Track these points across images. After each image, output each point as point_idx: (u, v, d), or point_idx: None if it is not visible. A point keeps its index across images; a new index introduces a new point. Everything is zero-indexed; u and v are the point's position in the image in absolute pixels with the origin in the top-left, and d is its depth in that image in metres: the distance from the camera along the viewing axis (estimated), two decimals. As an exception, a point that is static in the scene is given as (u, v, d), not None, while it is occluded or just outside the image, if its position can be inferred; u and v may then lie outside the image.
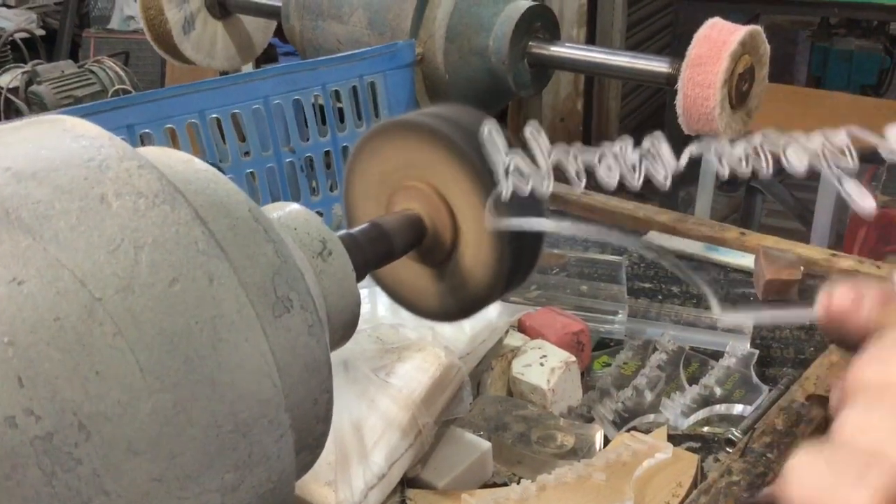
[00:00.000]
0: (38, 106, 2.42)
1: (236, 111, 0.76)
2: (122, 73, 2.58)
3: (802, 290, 1.04)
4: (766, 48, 0.92)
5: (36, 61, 2.69)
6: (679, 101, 0.89)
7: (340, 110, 0.87)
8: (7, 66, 2.75)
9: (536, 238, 0.56)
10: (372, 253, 0.51)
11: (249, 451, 0.33)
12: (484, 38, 1.02)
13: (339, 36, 1.07)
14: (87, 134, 0.34)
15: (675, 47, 2.84)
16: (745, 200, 2.96)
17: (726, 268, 1.12)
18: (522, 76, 1.05)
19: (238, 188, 0.39)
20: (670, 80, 0.93)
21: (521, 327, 0.86)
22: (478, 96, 1.07)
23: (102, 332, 0.29)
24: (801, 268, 1.04)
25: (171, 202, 0.33)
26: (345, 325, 0.46)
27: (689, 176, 3.09)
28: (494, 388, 0.81)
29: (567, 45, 1.03)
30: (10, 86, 2.54)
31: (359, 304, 0.47)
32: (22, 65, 2.67)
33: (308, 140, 0.84)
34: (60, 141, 0.34)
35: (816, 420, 0.80)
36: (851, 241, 1.98)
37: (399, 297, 0.60)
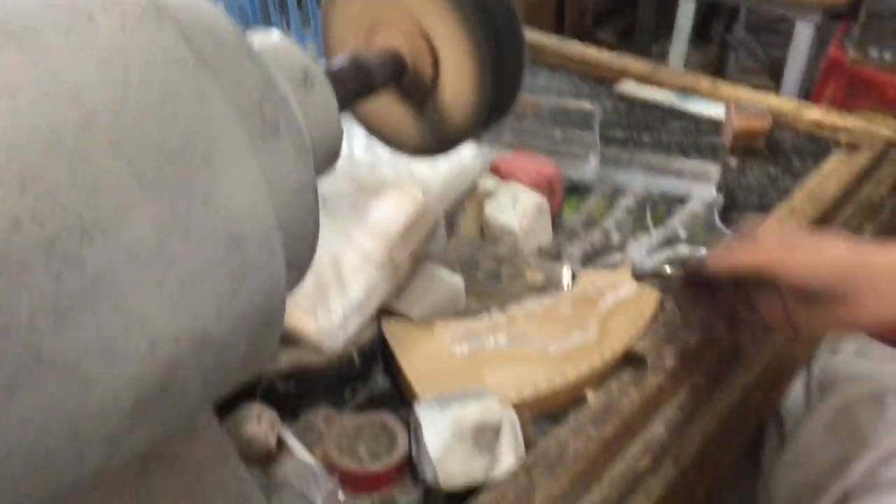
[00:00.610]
0: None
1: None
2: None
3: (769, 140, 1.07)
4: None
5: None
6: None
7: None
8: None
9: (516, 74, 0.57)
10: (352, 86, 0.51)
11: (244, 262, 0.35)
12: None
13: None
14: (69, -52, 0.34)
15: None
16: (718, 56, 2.94)
17: (697, 118, 1.13)
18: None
19: (223, 12, 0.39)
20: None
21: (494, 170, 0.88)
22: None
23: (98, 143, 0.30)
24: (770, 118, 1.06)
25: (157, 20, 0.33)
26: (328, 156, 0.47)
27: (664, 30, 3.06)
28: (467, 229, 0.83)
29: None
30: None
31: (341, 136, 0.48)
32: None
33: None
34: (42, -46, 0.33)
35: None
36: (820, 96, 1.99)
37: (378, 132, 0.61)
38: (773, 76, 2.85)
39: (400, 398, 0.69)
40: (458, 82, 0.55)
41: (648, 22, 3.01)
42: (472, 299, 0.77)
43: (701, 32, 2.94)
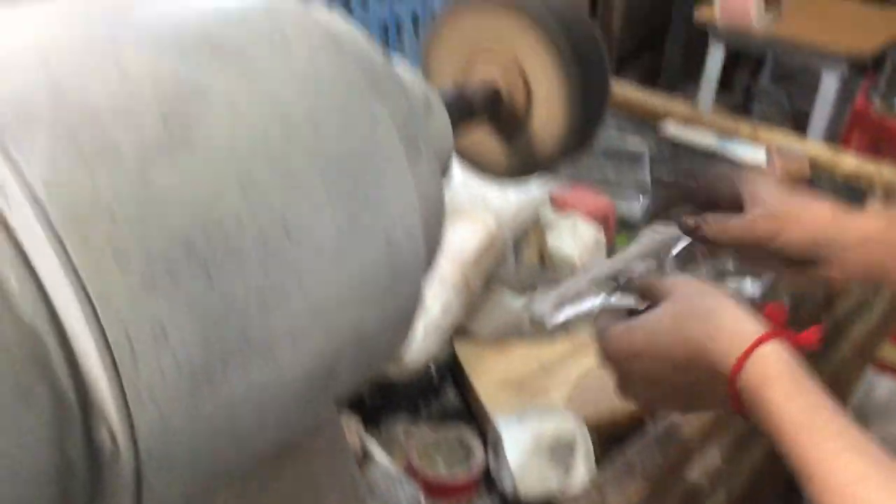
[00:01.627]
0: None
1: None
2: None
3: (808, 186, 1.11)
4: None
5: None
6: (717, -4, 0.93)
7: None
8: None
9: (602, 105, 0.62)
10: (456, 114, 0.56)
11: (397, 264, 0.39)
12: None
13: None
14: (261, -15, 0.39)
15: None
16: (742, 104, 3.01)
17: (739, 162, 1.18)
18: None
19: (372, 41, 0.44)
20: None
21: (554, 202, 0.93)
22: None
23: (297, 154, 0.35)
24: (808, 165, 1.11)
25: (339, 51, 0.38)
26: (444, 175, 0.51)
27: (688, 75, 3.12)
28: (529, 255, 0.88)
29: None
30: None
31: (452, 158, 0.53)
32: None
33: (367, 10, 0.87)
34: (239, -11, 0.38)
35: (820, 300, 0.88)
36: (846, 146, 2.04)
37: (466, 157, 0.65)
38: (796, 126, 2.91)
39: (469, 413, 0.73)
40: (548, 113, 0.60)
41: (674, 66, 3.08)
42: (533, 321, 0.81)
43: (724, 80, 3.01)
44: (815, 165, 1.14)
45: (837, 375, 0.95)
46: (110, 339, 0.29)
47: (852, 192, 1.12)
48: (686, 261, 0.75)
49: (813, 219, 0.66)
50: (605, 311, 0.67)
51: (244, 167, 0.33)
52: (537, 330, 0.77)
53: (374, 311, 0.39)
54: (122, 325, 0.29)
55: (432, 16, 0.92)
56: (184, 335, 0.31)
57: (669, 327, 0.57)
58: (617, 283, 0.70)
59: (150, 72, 0.32)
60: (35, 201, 0.28)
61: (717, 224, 0.68)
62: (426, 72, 0.64)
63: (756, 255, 0.70)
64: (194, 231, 0.31)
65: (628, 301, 0.68)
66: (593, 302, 0.71)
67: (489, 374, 0.73)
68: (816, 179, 1.14)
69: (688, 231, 0.71)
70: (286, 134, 0.34)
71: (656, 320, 0.58)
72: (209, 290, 0.31)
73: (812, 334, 0.56)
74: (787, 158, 1.10)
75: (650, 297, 0.63)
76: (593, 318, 0.67)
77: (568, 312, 0.78)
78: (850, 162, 1.15)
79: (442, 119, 0.50)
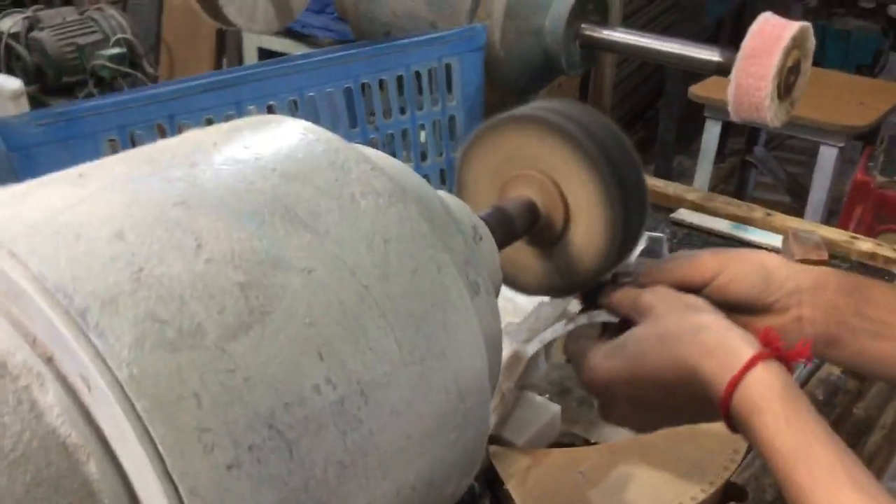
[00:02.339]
0: (38, 52, 2.41)
1: (330, 90, 0.80)
2: (122, 21, 2.56)
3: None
4: (813, 43, 0.97)
5: (36, 6, 2.66)
6: (731, 91, 0.95)
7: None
8: (6, 11, 2.71)
9: (641, 219, 0.62)
10: (500, 236, 0.56)
11: (465, 414, 0.38)
12: (540, 18, 1.06)
13: (394, 8, 1.11)
14: (322, 137, 0.39)
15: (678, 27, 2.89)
16: (738, 173, 3.04)
17: (753, 246, 1.18)
18: (573, 56, 1.10)
19: (425, 181, 0.44)
20: (721, 70, 0.98)
21: (578, 296, 0.92)
22: (529, 74, 1.12)
23: (371, 314, 0.34)
24: (825, 249, 1.11)
25: (402, 201, 0.38)
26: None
27: (682, 145, 3.16)
28: (557, 355, 0.87)
29: (618, 29, 1.08)
30: (11, 31, 2.52)
31: (501, 283, 0.52)
32: (22, 9, 2.64)
33: (390, 118, 0.88)
34: (302, 143, 0.39)
35: (853, 391, 0.88)
36: (848, 219, 2.06)
37: (506, 274, 0.65)
38: (791, 192, 2.93)
39: (509, 526, 0.71)
40: (588, 230, 0.60)
41: (669, 138, 3.12)
42: (564, 425, 0.80)
43: (717, 149, 3.05)
44: (830, 249, 1.15)
45: (868, 465, 0.93)
46: (195, 527, 0.28)
47: (870, 274, 1.12)
48: None
49: (761, 258, 0.61)
50: (579, 332, 0.63)
51: (322, 335, 0.32)
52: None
53: (445, 459, 0.38)
54: (207, 510, 0.28)
55: (451, 119, 0.94)
56: (266, 514, 0.30)
57: (656, 348, 0.53)
58: (588, 300, 0.65)
59: (226, 243, 0.32)
60: (119, 389, 0.28)
61: (656, 268, 0.63)
62: (461, 191, 0.64)
63: None
64: (276, 407, 0.30)
65: (601, 317, 0.63)
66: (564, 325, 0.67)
67: (528, 485, 0.71)
68: (833, 264, 1.14)
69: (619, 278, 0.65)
70: (360, 295, 0.34)
71: (640, 341, 0.55)
72: (290, 465, 0.31)
73: (804, 348, 0.53)
74: (806, 244, 1.10)
75: (627, 312, 0.59)
76: (566, 341, 0.63)
77: (541, 338, 0.74)
78: (865, 245, 1.15)
79: (491, 247, 0.50)
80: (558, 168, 0.60)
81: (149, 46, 2.75)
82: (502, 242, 0.57)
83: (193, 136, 0.39)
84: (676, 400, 0.54)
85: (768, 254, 0.62)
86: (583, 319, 0.64)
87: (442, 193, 0.52)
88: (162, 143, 0.38)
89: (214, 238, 0.32)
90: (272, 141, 0.38)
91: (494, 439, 0.76)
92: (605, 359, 0.57)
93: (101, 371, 0.28)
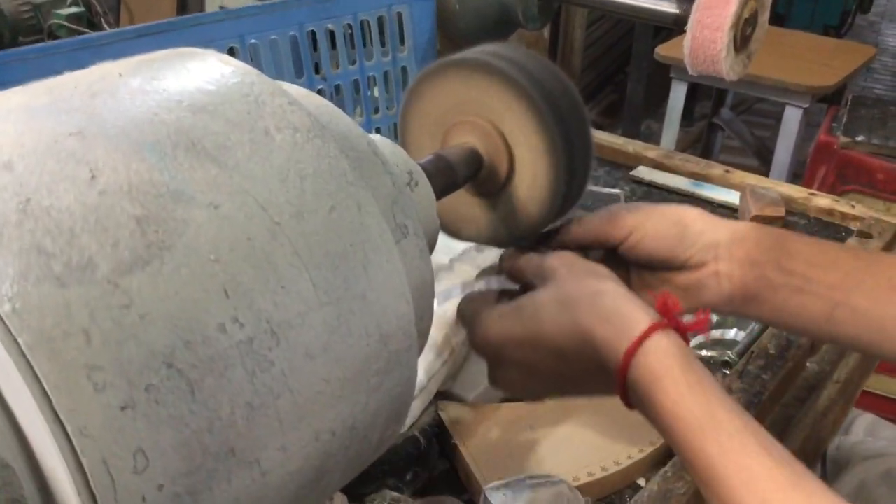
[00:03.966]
0: (-8, 12, 2.34)
1: (274, 37, 0.78)
2: (79, -20, 2.49)
3: (784, 226, 1.11)
4: (770, -5, 0.96)
5: (-11, -35, 2.58)
6: (686, 43, 0.94)
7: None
8: (-41, -30, 2.63)
9: (586, 167, 0.60)
10: (440, 184, 0.55)
11: (388, 358, 0.37)
12: (496, -30, 1.04)
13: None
14: (237, 70, 0.37)
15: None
16: (705, 135, 3.04)
17: (712, 203, 1.18)
18: (531, 9, 1.07)
19: (353, 121, 0.43)
20: (678, 22, 0.97)
21: (533, 254, 0.92)
22: (485, 27, 1.10)
23: (283, 252, 0.33)
24: (783, 205, 1.11)
25: (321, 136, 0.37)
26: (430, 251, 0.50)
27: (650, 109, 3.16)
28: (510, 311, 0.86)
29: (576, -20, 1.06)
30: (-36, -9, 2.44)
31: (438, 231, 0.51)
32: (-25, -32, 2.55)
33: (338, 68, 0.86)
34: (215, 75, 0.37)
35: (805, 346, 0.88)
36: (811, 179, 2.07)
37: (448, 224, 0.64)
38: (758, 155, 2.95)
39: (458, 482, 0.71)
40: (532, 178, 0.59)
41: (637, 101, 3.12)
42: (517, 380, 0.80)
43: (684, 112, 3.05)
44: (788, 206, 1.15)
45: (822, 419, 0.94)
46: (87, 469, 0.27)
47: (827, 230, 1.12)
48: None
49: (678, 213, 0.60)
50: (474, 295, 0.60)
51: (228, 272, 0.31)
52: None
53: (367, 404, 0.37)
54: (99, 452, 0.27)
55: (403, 70, 0.92)
56: (165, 457, 0.28)
57: (554, 312, 0.51)
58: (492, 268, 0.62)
59: (123, 175, 0.30)
60: (1, 325, 0.26)
61: (575, 222, 0.62)
62: (404, 139, 0.63)
63: (613, 259, 0.61)
64: (176, 345, 0.29)
65: (499, 283, 0.61)
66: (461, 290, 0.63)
67: (477, 439, 0.71)
68: (791, 220, 1.14)
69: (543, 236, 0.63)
70: (271, 232, 0.33)
71: (539, 304, 0.52)
72: (192, 406, 0.29)
73: (702, 320, 0.52)
74: (764, 201, 1.10)
75: (528, 278, 0.57)
76: (459, 303, 0.60)
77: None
78: (823, 201, 1.15)
79: (426, 193, 0.49)
80: (503, 115, 0.58)
81: (108, 6, 2.68)
82: (442, 190, 0.55)
83: (100, 68, 0.37)
84: (571, 367, 0.52)
85: (688, 208, 0.60)
86: (480, 285, 0.62)
87: (376, 137, 0.50)
88: (67, 76, 0.36)
89: (111, 170, 0.30)
90: (183, 73, 0.36)
91: (444, 395, 0.75)
92: (499, 318, 0.54)
93: (-17, 306, 0.26)
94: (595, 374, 0.50)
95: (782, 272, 0.57)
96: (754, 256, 0.57)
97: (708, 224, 0.59)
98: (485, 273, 0.65)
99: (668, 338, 0.48)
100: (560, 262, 0.55)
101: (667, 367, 0.47)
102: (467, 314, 0.58)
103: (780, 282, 0.57)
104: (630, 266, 0.63)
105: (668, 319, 0.49)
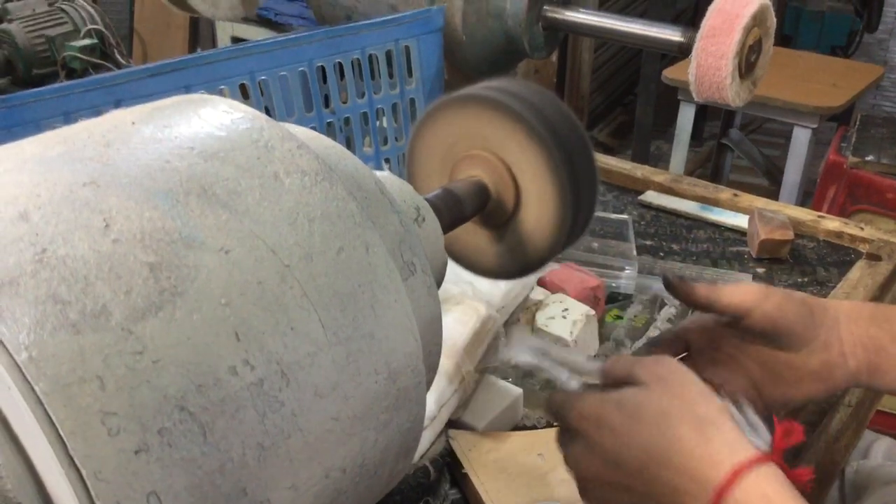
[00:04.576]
0: (8, 45, 2.38)
1: (284, 73, 0.79)
2: (93, 12, 2.53)
3: (793, 249, 1.12)
4: (773, 21, 0.97)
5: (4, -2, 2.62)
6: (692, 71, 0.94)
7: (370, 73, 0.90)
8: (-26, 3, 2.68)
9: (591, 198, 0.61)
10: (448, 218, 0.56)
11: (397, 396, 0.38)
12: (501, 0, 1.05)
13: (356, -7, 1.10)
14: (246, 116, 0.38)
15: (654, 11, 2.89)
16: (714, 156, 3.05)
17: (720, 227, 1.18)
18: (536, 39, 1.09)
19: (361, 161, 0.44)
20: (682, 49, 0.98)
21: (541, 282, 0.92)
22: (492, 58, 1.11)
23: (293, 294, 0.34)
24: (791, 228, 1.11)
25: (328, 179, 0.37)
26: (437, 285, 0.50)
27: (658, 130, 3.16)
28: (520, 339, 0.86)
29: (581, 10, 1.07)
30: (-21, 23, 2.48)
31: (445, 266, 0.52)
32: (-10, 2, 2.60)
33: (346, 102, 0.87)
34: (225, 121, 0.38)
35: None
36: (821, 199, 2.07)
37: (457, 256, 0.65)
38: (768, 175, 2.94)
39: (469, 509, 0.71)
40: (539, 210, 0.59)
41: (646, 123, 3.12)
42: (528, 408, 0.80)
43: (693, 132, 3.06)
44: (797, 228, 1.15)
45: (834, 443, 0.94)
46: (101, 513, 0.27)
47: (837, 252, 1.12)
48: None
49: (799, 294, 0.62)
50: (566, 389, 0.58)
51: (239, 316, 0.32)
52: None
53: (377, 441, 0.37)
54: (114, 496, 0.28)
55: (411, 102, 0.93)
56: (179, 499, 0.29)
57: (658, 421, 0.49)
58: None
59: (136, 223, 0.31)
60: (18, 373, 0.27)
61: (707, 287, 0.62)
62: (411, 172, 0.64)
63: (736, 337, 0.63)
64: (188, 389, 0.29)
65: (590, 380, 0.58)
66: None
67: (488, 468, 0.71)
68: (800, 242, 1.14)
69: (670, 286, 0.64)
70: (281, 275, 0.33)
71: (641, 400, 0.51)
72: (204, 448, 0.30)
73: (805, 473, 0.50)
74: (771, 223, 1.10)
75: (622, 377, 0.54)
76: (551, 393, 0.57)
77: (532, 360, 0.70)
78: (832, 224, 1.15)
79: (434, 228, 0.49)
80: (508, 148, 0.59)
81: (121, 37, 2.72)
82: (450, 224, 0.56)
83: (113, 116, 0.38)
84: (657, 472, 0.49)
85: (804, 294, 0.63)
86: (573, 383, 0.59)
87: (383, 174, 0.51)
88: (81, 124, 0.37)
89: (124, 218, 0.31)
90: (194, 119, 0.37)
91: (455, 423, 0.76)
92: (600, 400, 0.53)
93: (1, 355, 0.27)
94: (674, 487, 0.49)
95: None
96: (871, 332, 0.61)
97: (827, 303, 0.62)
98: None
99: (772, 471, 0.47)
100: (664, 367, 0.53)
101: (771, 497, 0.46)
102: (561, 398, 0.56)
103: None
104: (742, 339, 0.63)
105: (778, 449, 0.48)
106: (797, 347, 0.62)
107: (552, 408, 0.56)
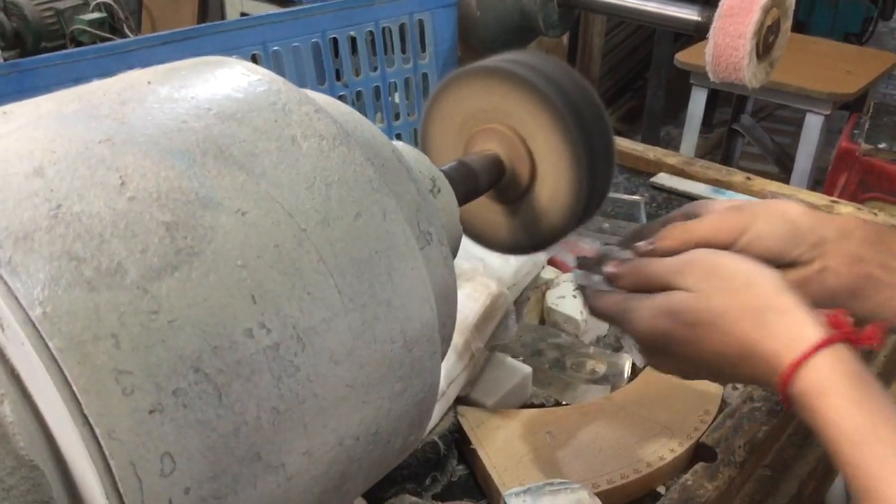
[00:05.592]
0: (17, 17, 2.37)
1: (296, 44, 0.78)
2: (102, -16, 2.52)
3: (805, 233, 1.10)
4: (792, 2, 0.96)
5: (14, -28, 2.61)
6: (708, 50, 0.93)
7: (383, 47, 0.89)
8: (-16, -24, 2.66)
9: (608, 174, 0.60)
10: (462, 190, 0.55)
11: (412, 365, 0.37)
12: (517, -23, 1.04)
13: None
14: (263, 78, 0.38)
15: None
16: (725, 142, 3.03)
17: (733, 210, 1.17)
18: (551, 17, 1.08)
19: (377, 128, 0.43)
20: (699, 29, 0.96)
21: (552, 261, 0.91)
22: (506, 35, 1.10)
23: (309, 259, 0.33)
24: (805, 212, 1.10)
25: (346, 144, 0.37)
26: (452, 256, 0.50)
27: (669, 115, 3.14)
28: (529, 317, 0.86)
29: (597, -12, 1.06)
30: (-12, -4, 2.47)
31: (460, 238, 0.51)
32: (0, -25, 2.59)
33: (360, 75, 0.87)
34: (242, 83, 0.37)
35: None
36: (832, 186, 2.05)
37: (471, 230, 0.64)
38: (778, 162, 2.93)
39: (477, 487, 0.71)
40: (554, 184, 0.59)
41: (656, 107, 3.10)
42: (536, 387, 0.80)
43: (704, 118, 3.04)
44: (810, 213, 1.14)
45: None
46: (115, 472, 0.27)
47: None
48: None
49: (784, 210, 0.59)
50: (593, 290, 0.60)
51: (255, 278, 0.31)
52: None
53: (390, 409, 0.37)
54: (127, 455, 0.27)
55: (423, 77, 0.92)
56: (192, 461, 0.29)
57: (716, 324, 0.52)
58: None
59: (153, 182, 0.30)
60: (32, 328, 0.27)
61: (678, 228, 0.60)
62: (426, 145, 0.63)
63: None
64: (203, 350, 0.29)
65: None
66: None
67: (496, 445, 0.71)
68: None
69: (626, 244, 0.63)
70: (298, 238, 0.33)
71: (693, 306, 0.53)
72: (219, 410, 0.29)
73: (874, 332, 0.51)
74: (783, 207, 1.09)
75: (658, 280, 0.56)
76: (586, 300, 0.60)
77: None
78: (846, 209, 1.14)
79: (449, 200, 0.49)
80: (525, 122, 0.58)
81: (130, 12, 2.70)
82: (464, 197, 0.55)
83: (128, 76, 0.37)
84: (733, 370, 0.53)
85: (790, 203, 0.60)
86: (597, 279, 0.60)
87: (399, 144, 0.50)
88: (96, 83, 0.37)
89: (140, 176, 0.30)
90: (211, 81, 0.37)
91: (464, 400, 0.75)
92: (652, 319, 0.55)
93: (14, 309, 0.27)
94: (759, 378, 0.52)
95: (886, 270, 0.57)
96: (860, 253, 0.58)
97: (815, 220, 0.59)
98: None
99: (835, 353, 0.48)
100: (709, 267, 0.54)
101: (833, 382, 0.47)
102: (609, 310, 0.58)
103: (884, 280, 0.57)
104: None
105: (840, 333, 0.49)
106: (776, 265, 0.58)
107: (608, 320, 0.60)
